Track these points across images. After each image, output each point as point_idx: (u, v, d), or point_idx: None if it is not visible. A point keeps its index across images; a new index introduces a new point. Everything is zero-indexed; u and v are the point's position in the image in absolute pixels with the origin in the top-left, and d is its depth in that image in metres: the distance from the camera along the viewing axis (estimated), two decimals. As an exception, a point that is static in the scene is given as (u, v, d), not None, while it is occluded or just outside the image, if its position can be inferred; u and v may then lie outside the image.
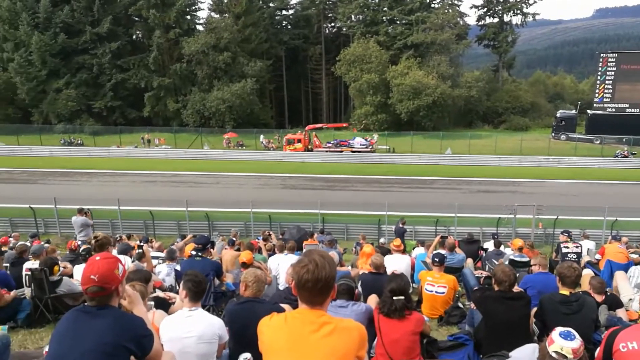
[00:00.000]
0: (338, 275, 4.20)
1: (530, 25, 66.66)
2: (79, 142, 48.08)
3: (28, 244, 10.64)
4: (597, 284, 5.34)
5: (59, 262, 6.90)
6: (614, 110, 47.11)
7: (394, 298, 4.03)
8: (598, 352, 3.17)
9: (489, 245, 11.20)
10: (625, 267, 7.86)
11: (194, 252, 6.80)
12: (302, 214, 21.36)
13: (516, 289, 4.86)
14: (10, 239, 14.45)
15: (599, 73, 47.86)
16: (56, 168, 35.21)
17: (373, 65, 53.15)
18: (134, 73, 56.49)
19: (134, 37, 61.55)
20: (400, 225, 17.81)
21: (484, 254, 10.41)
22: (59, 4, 53.91)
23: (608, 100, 47.29)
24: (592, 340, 3.97)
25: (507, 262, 8.12)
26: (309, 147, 44.61)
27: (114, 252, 8.01)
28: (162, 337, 3.29)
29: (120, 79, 55.94)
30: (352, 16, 63.08)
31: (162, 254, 9.40)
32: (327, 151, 43.34)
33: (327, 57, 65.16)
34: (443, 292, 6.31)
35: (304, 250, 10.03)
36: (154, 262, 8.48)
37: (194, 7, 60.94)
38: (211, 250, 8.42)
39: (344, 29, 65.80)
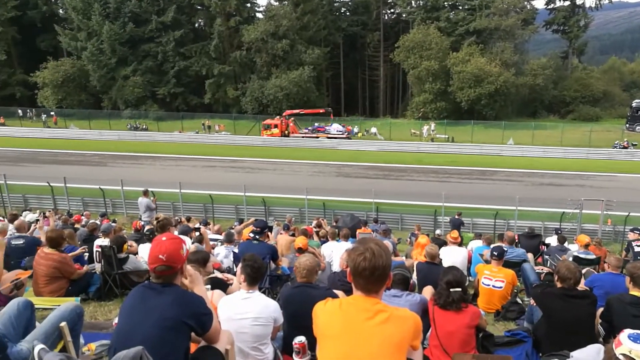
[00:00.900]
0: (393, 264, 4.18)
1: (606, 7, 62.18)
2: (144, 127, 50.38)
3: (98, 222, 11.33)
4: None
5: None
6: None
7: (451, 290, 3.96)
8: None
9: (552, 240, 10.75)
10: None
11: (252, 235, 6.96)
12: (356, 202, 21.36)
13: (581, 287, 4.64)
14: (83, 217, 15.48)
15: (682, 59, 44.19)
16: (123, 152, 37.12)
17: (433, 52, 51.72)
18: (195, 60, 58.17)
19: (196, 25, 63.22)
20: (457, 217, 17.43)
21: (545, 249, 9.99)
22: (128, -6, 56.36)
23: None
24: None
25: (571, 259, 7.74)
26: (286, 132, 45.44)
27: (175, 233, 8.39)
28: (219, 317, 3.41)
29: (182, 66, 57.79)
30: (413, 2, 61.55)
31: (221, 237, 9.72)
32: (303, 137, 44.25)
33: (385, 44, 64.10)
34: (501, 287, 6.13)
35: (357, 238, 10.04)
36: (213, 244, 8.79)
37: (254, -5, 61.74)
38: (269, 234, 8.60)
39: (404, 15, 64.29)
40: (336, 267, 7.43)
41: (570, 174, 30.25)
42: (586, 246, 8.53)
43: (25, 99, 59.04)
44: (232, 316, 3.47)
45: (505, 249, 7.08)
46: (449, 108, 52.69)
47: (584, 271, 6.29)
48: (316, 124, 46.99)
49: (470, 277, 7.93)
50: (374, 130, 48.00)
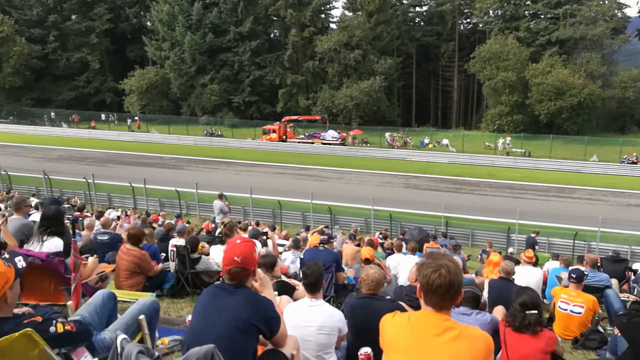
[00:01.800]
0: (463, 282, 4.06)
1: None
2: (219, 133, 52.46)
3: (173, 222, 11.93)
4: None
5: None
6: None
7: (527, 312, 3.77)
8: None
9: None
10: None
11: (319, 242, 7.03)
12: (424, 215, 20.87)
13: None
14: (160, 217, 16.36)
15: None
16: (199, 156, 38.89)
17: (511, 62, 49.64)
18: (270, 70, 59.79)
19: (272, 35, 65.16)
20: (533, 235, 16.58)
21: (632, 276, 9.23)
22: (209, 6, 59.05)
23: None
24: None
25: (662, 288, 7.11)
26: (284, 137, 46.64)
27: (245, 236, 8.63)
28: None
29: (257, 75, 59.57)
30: (490, 11, 59.50)
31: (288, 242, 9.89)
32: (299, 142, 45.53)
33: (460, 54, 62.49)
34: (580, 313, 5.74)
35: (425, 252, 9.82)
36: (280, 249, 8.96)
37: (328, 6, 62.58)
38: (333, 242, 8.63)
39: (480, 25, 62.40)
40: (402, 280, 7.31)
41: (663, 195, 27.80)
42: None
43: (114, 105, 64.12)
44: (297, 324, 3.49)
45: (586, 273, 6.62)
46: (526, 121, 50.26)
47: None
48: (312, 131, 48.78)
49: (545, 300, 7.50)
50: (445, 141, 46.87)
